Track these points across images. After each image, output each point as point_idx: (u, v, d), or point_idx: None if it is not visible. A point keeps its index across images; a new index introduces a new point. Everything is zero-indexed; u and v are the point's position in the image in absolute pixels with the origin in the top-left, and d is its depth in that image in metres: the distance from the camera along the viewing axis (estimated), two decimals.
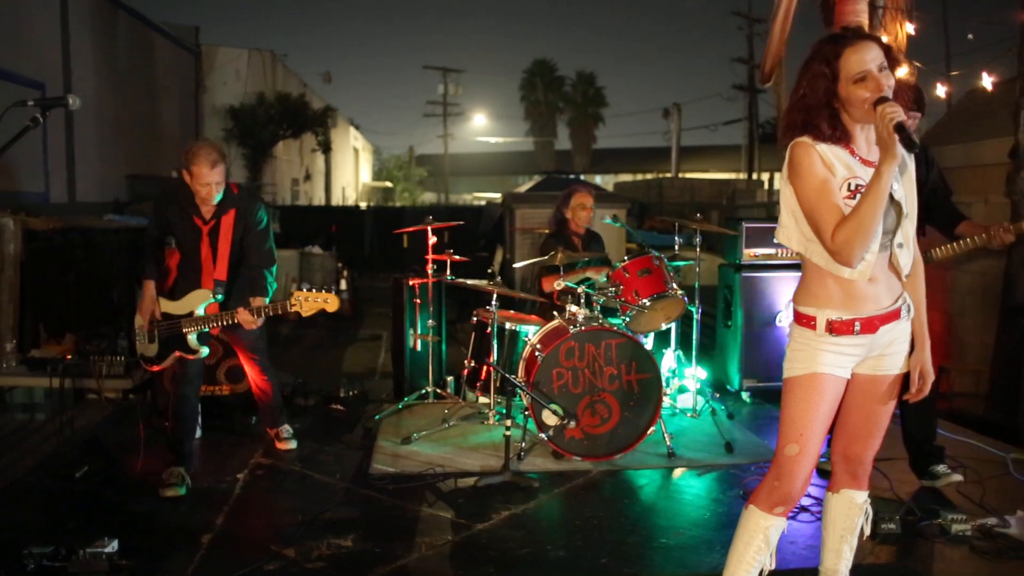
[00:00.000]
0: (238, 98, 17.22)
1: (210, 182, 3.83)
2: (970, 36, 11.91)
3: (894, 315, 2.39)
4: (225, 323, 3.95)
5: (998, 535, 3.39)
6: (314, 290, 3.80)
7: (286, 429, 4.61)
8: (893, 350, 2.46)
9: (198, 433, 4.76)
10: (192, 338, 3.98)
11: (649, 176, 27.82)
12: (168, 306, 4.04)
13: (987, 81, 6.69)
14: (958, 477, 3.92)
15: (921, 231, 3.91)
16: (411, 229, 5.52)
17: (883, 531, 3.42)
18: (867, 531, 2.69)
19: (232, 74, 17.54)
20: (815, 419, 2.39)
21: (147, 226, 4.29)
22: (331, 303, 3.79)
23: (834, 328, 2.35)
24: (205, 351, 4.06)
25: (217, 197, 3.92)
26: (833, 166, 2.31)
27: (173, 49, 14.54)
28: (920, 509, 3.65)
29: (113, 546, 2.99)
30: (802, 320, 2.41)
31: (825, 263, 2.35)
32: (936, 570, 3.14)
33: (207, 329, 4.01)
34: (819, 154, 2.31)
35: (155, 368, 4.13)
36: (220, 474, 4.19)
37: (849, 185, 2.30)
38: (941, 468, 3.91)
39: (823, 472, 4.98)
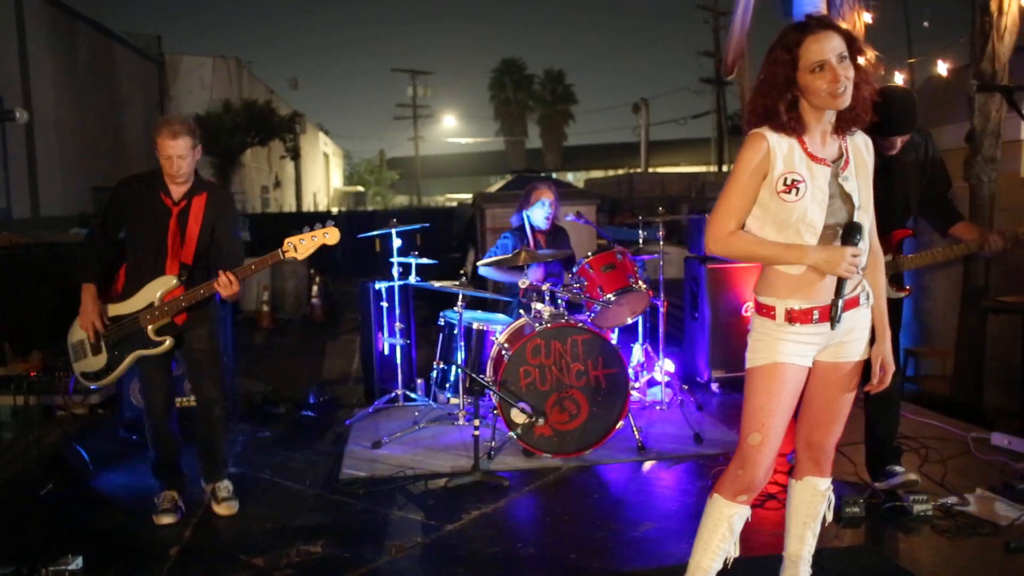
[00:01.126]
0: (204, 106, 17.08)
1: (172, 154, 3.50)
2: (926, 24, 12.09)
3: (852, 303, 2.43)
4: (197, 298, 3.52)
5: (958, 513, 3.46)
6: (308, 231, 3.49)
7: (225, 486, 3.82)
8: (853, 337, 2.50)
9: None
10: (152, 329, 3.56)
11: (620, 172, 27.93)
12: (118, 308, 3.62)
13: (942, 68, 6.79)
14: (914, 476, 3.74)
15: (914, 227, 3.93)
16: (375, 233, 5.52)
17: (848, 514, 3.48)
18: (829, 517, 2.73)
19: (197, 82, 17.42)
20: (777, 408, 2.43)
21: (93, 223, 3.82)
22: (331, 235, 3.45)
23: (793, 317, 2.39)
24: (168, 343, 3.60)
25: (184, 173, 3.57)
26: (775, 161, 2.36)
27: (135, 59, 14.41)
28: (884, 491, 3.71)
29: (78, 563, 2.97)
30: (762, 310, 2.46)
31: None
32: (898, 550, 3.19)
33: (171, 317, 3.57)
34: (768, 147, 2.35)
35: (101, 383, 3.73)
36: (189, 485, 4.15)
37: (785, 180, 2.35)
38: (898, 468, 3.80)
39: None
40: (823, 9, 6.46)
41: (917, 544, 3.25)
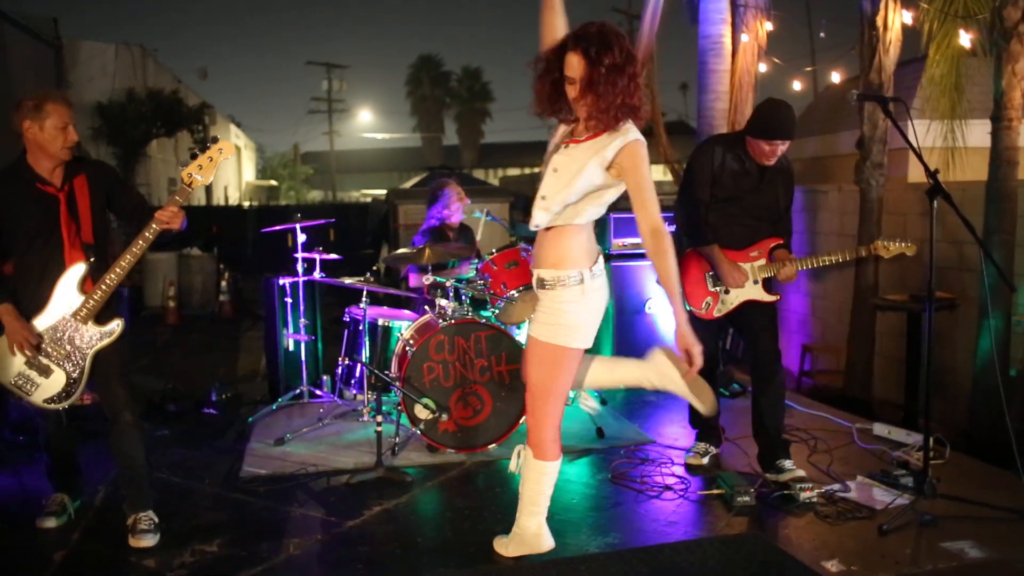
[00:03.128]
0: (106, 94, 16.39)
1: (68, 122, 3.24)
2: (822, 35, 12.61)
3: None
4: (136, 257, 3.24)
5: (839, 500, 3.64)
6: (198, 154, 3.28)
7: (147, 518, 3.40)
8: (536, 318, 3.00)
9: None
10: (94, 323, 3.31)
11: (535, 170, 28.11)
12: (40, 319, 3.29)
13: (836, 77, 7.12)
14: (801, 473, 3.93)
15: (784, 233, 4.14)
16: (277, 228, 5.43)
17: (739, 504, 3.62)
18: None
19: (98, 69, 16.70)
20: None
21: None
22: (225, 148, 3.30)
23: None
24: (118, 324, 3.34)
25: (73, 142, 3.30)
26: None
27: (28, 41, 13.69)
28: (772, 481, 3.87)
29: None
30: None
31: None
32: (782, 536, 3.34)
33: (107, 299, 3.30)
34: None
35: (73, 399, 3.37)
36: (78, 487, 4.01)
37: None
38: (787, 463, 3.99)
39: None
40: (727, 16, 6.70)
41: (801, 529, 3.41)
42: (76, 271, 3.32)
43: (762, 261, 4.04)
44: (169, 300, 9.55)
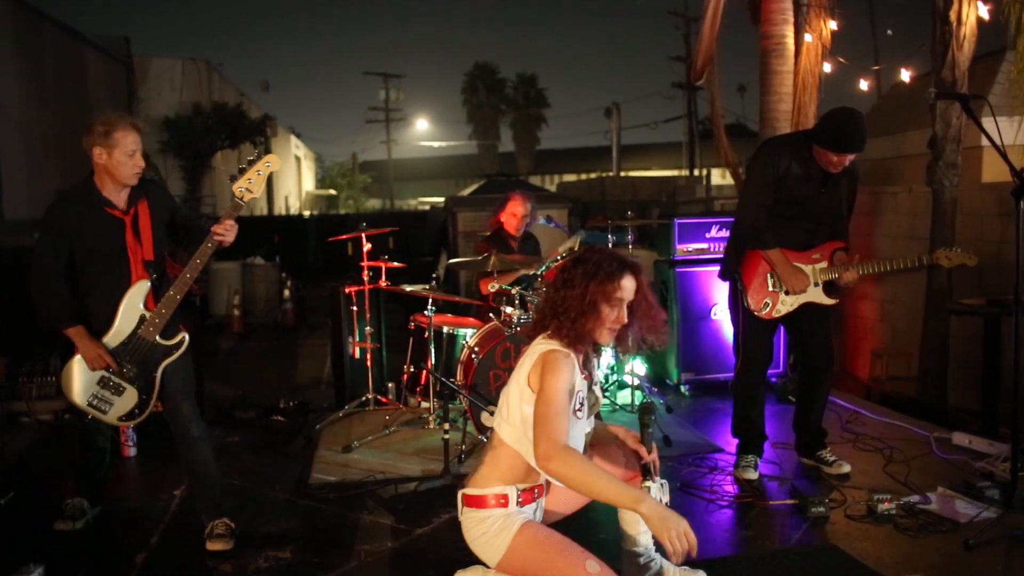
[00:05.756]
0: (173, 109, 16.91)
1: (136, 148, 3.32)
2: (889, 32, 12.30)
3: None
4: (195, 271, 3.31)
5: (920, 512, 3.52)
6: (246, 168, 3.38)
7: (225, 523, 3.46)
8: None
9: (133, 452, 4.70)
10: (161, 338, 3.39)
11: (592, 175, 28.06)
12: (108, 338, 3.35)
13: (905, 75, 6.92)
14: (847, 467, 4.06)
15: (846, 239, 4.09)
16: (344, 236, 5.50)
17: (813, 514, 3.53)
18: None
19: (166, 85, 17.23)
20: (560, 544, 2.51)
21: (38, 255, 3.35)
22: (273, 162, 3.41)
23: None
24: (184, 337, 3.44)
25: (141, 167, 3.38)
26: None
27: (103, 61, 14.22)
28: (846, 493, 3.77)
29: (39, 572, 2.92)
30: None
31: None
32: (860, 549, 3.23)
33: (171, 315, 3.37)
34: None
35: (146, 415, 3.44)
36: (156, 492, 4.12)
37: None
38: (829, 456, 4.12)
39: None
40: (790, 16, 6.57)
41: (880, 542, 3.30)
42: (140, 289, 3.38)
43: (823, 264, 4.01)
44: (234, 308, 9.75)
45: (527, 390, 2.53)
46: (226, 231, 3.34)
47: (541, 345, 2.58)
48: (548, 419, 2.42)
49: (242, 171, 3.38)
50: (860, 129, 3.73)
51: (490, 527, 2.51)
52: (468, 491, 2.61)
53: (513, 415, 2.56)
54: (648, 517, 2.32)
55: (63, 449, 4.68)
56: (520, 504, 2.56)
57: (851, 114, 3.76)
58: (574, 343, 2.55)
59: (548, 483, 2.65)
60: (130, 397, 3.40)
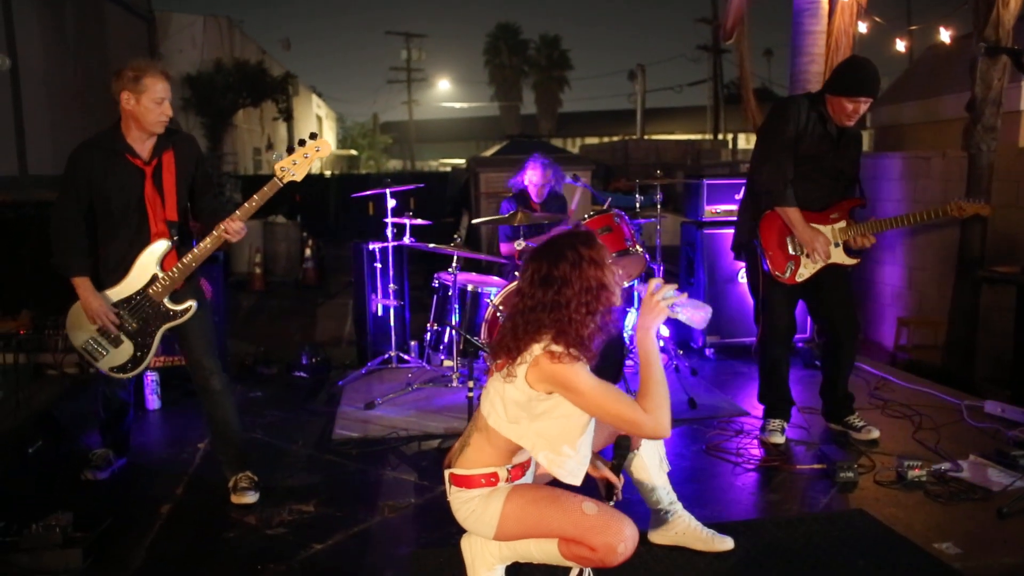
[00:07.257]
0: (195, 66, 16.81)
1: (165, 96, 3.25)
2: None
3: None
4: (206, 254, 3.32)
5: (951, 479, 3.46)
6: (295, 148, 3.28)
7: (248, 477, 3.48)
8: None
9: (156, 404, 4.72)
10: (168, 301, 3.38)
11: (615, 138, 27.77)
12: (118, 291, 3.35)
13: (945, 36, 6.71)
14: (876, 432, 4.01)
15: (862, 196, 4.03)
16: (369, 192, 5.45)
17: (842, 479, 3.48)
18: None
19: (188, 41, 17.11)
20: (550, 495, 2.43)
21: (58, 199, 3.33)
22: (323, 148, 3.32)
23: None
24: (191, 305, 3.41)
25: (169, 116, 3.33)
26: None
27: (124, 15, 14.12)
28: (875, 459, 3.72)
29: (68, 519, 2.94)
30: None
31: None
32: (889, 515, 3.18)
33: (182, 282, 3.37)
34: None
35: (139, 370, 3.45)
36: (181, 444, 4.14)
37: None
38: (857, 421, 4.07)
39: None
40: None
41: (910, 509, 3.25)
42: (159, 247, 3.35)
43: (842, 223, 3.93)
44: (255, 267, 9.77)
45: (524, 385, 2.38)
46: (234, 233, 3.30)
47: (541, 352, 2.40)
48: (615, 409, 2.36)
49: (290, 150, 3.31)
50: (873, 74, 3.74)
51: (478, 505, 2.44)
52: (456, 471, 2.50)
53: (498, 406, 2.43)
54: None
55: (88, 400, 4.70)
56: (509, 481, 2.48)
57: (862, 60, 3.84)
58: (591, 339, 2.46)
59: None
60: (125, 351, 3.41)
